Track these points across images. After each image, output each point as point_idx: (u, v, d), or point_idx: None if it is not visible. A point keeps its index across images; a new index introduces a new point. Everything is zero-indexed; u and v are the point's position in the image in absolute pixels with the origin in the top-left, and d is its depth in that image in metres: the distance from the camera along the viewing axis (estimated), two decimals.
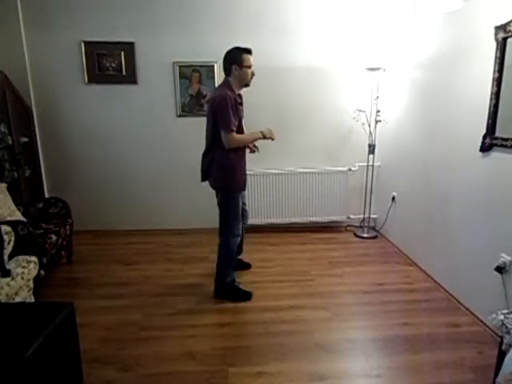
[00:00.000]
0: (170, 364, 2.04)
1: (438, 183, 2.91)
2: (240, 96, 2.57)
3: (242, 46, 2.49)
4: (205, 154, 2.61)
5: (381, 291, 2.82)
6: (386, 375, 1.97)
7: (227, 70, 2.49)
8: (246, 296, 2.69)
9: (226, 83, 2.50)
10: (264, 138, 2.54)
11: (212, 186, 2.63)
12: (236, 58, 2.44)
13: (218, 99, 2.39)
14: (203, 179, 2.67)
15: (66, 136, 3.83)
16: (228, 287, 2.68)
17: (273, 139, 2.60)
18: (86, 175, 3.92)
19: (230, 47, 2.51)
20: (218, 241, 2.68)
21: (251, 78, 2.52)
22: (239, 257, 3.04)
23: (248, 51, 2.47)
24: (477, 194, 2.44)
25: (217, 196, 2.65)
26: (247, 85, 2.55)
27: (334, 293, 2.79)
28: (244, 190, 2.66)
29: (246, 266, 3.15)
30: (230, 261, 2.69)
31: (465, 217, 2.58)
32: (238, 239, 2.69)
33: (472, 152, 2.45)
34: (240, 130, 2.49)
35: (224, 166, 2.50)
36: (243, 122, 2.56)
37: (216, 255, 2.69)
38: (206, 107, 3.79)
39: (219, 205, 2.63)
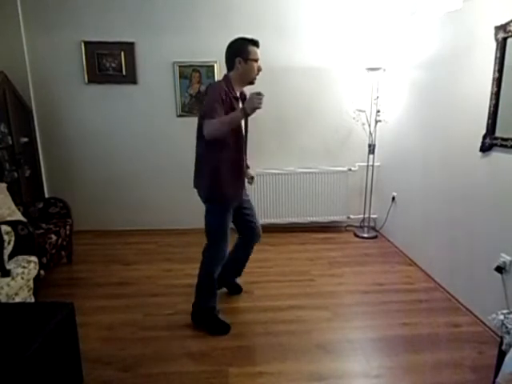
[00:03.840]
0: (169, 364, 2.04)
1: (438, 183, 2.91)
2: (244, 96, 2.24)
3: (248, 36, 2.15)
4: (196, 156, 2.28)
5: (381, 291, 2.81)
6: (386, 375, 1.97)
7: (230, 63, 2.15)
8: (224, 329, 2.31)
9: (226, 79, 2.15)
10: (248, 114, 1.96)
11: (199, 194, 2.30)
12: (240, 50, 2.10)
13: (208, 89, 2.12)
14: (194, 185, 2.36)
15: (66, 136, 3.83)
16: (204, 315, 2.34)
17: (258, 107, 1.93)
18: (86, 175, 3.92)
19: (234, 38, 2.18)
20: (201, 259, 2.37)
21: (257, 73, 2.16)
22: (236, 280, 2.78)
23: (255, 43, 2.12)
24: (477, 194, 2.44)
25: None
26: (252, 82, 2.17)
27: (333, 293, 2.79)
28: (235, 201, 2.27)
29: (236, 290, 2.76)
30: (209, 286, 2.34)
31: (465, 217, 2.58)
32: (221, 263, 2.33)
33: (472, 152, 2.45)
34: (240, 135, 2.19)
35: (210, 171, 2.14)
36: (242, 126, 2.23)
37: None
38: None
39: (205, 219, 2.27)
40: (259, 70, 2.16)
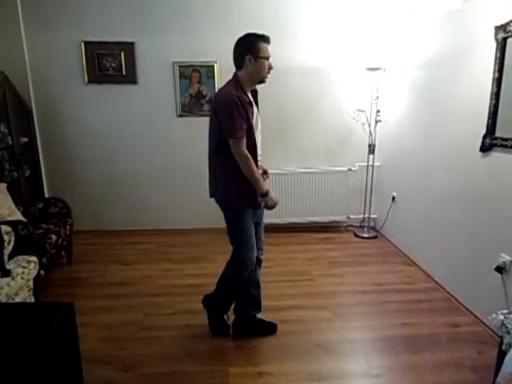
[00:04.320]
0: (170, 364, 2.04)
1: (438, 183, 2.91)
2: (255, 92, 2.14)
3: (259, 32, 1.99)
4: (209, 162, 2.16)
5: (381, 291, 2.81)
6: (386, 375, 1.97)
7: (239, 61, 1.99)
8: (225, 331, 2.29)
9: (234, 79, 2.02)
10: (262, 196, 2.01)
11: (216, 202, 2.15)
12: (251, 47, 1.94)
13: (221, 99, 1.97)
14: (210, 194, 2.18)
15: (66, 136, 3.83)
16: (215, 310, 2.31)
17: (269, 209, 2.08)
18: (86, 175, 3.92)
19: (243, 34, 2.00)
20: (225, 271, 2.26)
21: (268, 72, 2.02)
22: (258, 316, 2.35)
23: (266, 39, 1.97)
24: (477, 194, 2.44)
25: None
26: (263, 81, 2.05)
27: (333, 293, 2.79)
28: (256, 208, 2.10)
29: (271, 329, 2.33)
30: (231, 290, 2.24)
31: (465, 217, 2.58)
32: (246, 271, 2.15)
33: (472, 152, 2.44)
34: (250, 136, 2.00)
35: (226, 177, 2.03)
36: (258, 127, 2.09)
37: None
38: (205, 107, 3.79)
39: (227, 229, 2.16)
40: (270, 68, 2.02)
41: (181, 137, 3.87)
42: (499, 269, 2.20)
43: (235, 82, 2.01)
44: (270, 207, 2.06)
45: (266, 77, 2.04)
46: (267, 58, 1.98)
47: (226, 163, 2.00)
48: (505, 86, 2.17)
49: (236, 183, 2.01)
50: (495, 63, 2.21)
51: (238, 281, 2.19)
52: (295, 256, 3.45)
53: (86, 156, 3.88)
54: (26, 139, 3.52)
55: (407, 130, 3.44)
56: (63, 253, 3.14)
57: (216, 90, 3.68)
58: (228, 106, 1.91)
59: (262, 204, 2.14)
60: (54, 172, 3.89)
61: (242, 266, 2.14)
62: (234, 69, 2.06)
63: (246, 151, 1.94)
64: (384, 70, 3.62)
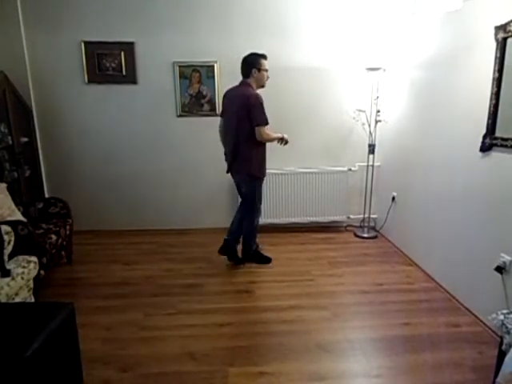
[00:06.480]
0: (169, 364, 2.04)
1: (438, 183, 2.91)
2: None
3: (260, 51, 2.86)
4: (230, 149, 2.95)
5: (381, 291, 2.81)
6: (386, 375, 1.97)
7: (246, 72, 2.84)
8: (267, 260, 3.23)
9: (247, 84, 2.84)
10: (280, 140, 3.01)
11: (239, 176, 3.04)
12: (255, 62, 2.81)
13: (253, 98, 2.73)
14: (229, 171, 3.07)
15: (66, 136, 3.83)
16: (252, 252, 3.21)
17: (286, 143, 3.06)
18: (86, 175, 3.92)
19: (247, 52, 2.86)
20: (244, 222, 3.13)
21: (266, 80, 2.90)
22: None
23: (265, 57, 2.85)
24: (477, 194, 2.44)
25: (239, 184, 3.12)
26: (263, 86, 2.91)
27: (334, 293, 2.79)
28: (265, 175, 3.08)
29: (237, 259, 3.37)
30: (254, 231, 3.18)
31: (465, 217, 2.58)
32: (259, 216, 3.19)
33: (472, 152, 2.45)
34: None
35: (252, 157, 2.88)
36: None
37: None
38: (205, 107, 3.80)
39: (245, 193, 3.05)
40: (268, 77, 2.91)
41: (181, 137, 3.87)
42: (499, 269, 2.20)
43: (248, 85, 2.84)
44: (286, 142, 3.06)
45: (265, 82, 2.93)
46: (266, 70, 2.88)
47: (255, 147, 2.87)
48: (505, 86, 2.18)
49: (261, 161, 2.96)
50: (495, 63, 2.21)
51: (255, 225, 3.15)
52: (295, 256, 3.45)
53: (86, 156, 3.88)
54: (26, 139, 3.52)
55: (407, 130, 3.44)
56: (63, 253, 3.14)
57: (216, 90, 3.73)
58: (259, 101, 2.74)
59: None
60: (54, 172, 3.89)
61: (256, 216, 3.12)
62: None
63: (267, 128, 2.82)
64: (384, 70, 3.61)
